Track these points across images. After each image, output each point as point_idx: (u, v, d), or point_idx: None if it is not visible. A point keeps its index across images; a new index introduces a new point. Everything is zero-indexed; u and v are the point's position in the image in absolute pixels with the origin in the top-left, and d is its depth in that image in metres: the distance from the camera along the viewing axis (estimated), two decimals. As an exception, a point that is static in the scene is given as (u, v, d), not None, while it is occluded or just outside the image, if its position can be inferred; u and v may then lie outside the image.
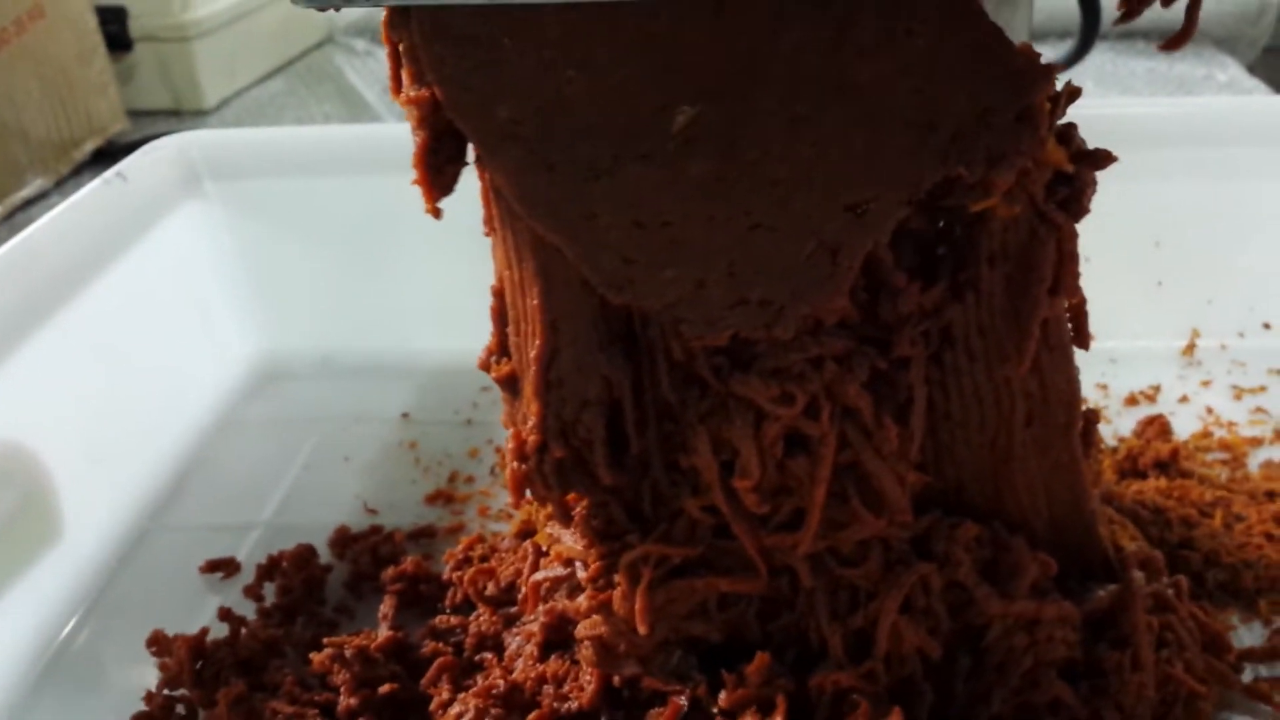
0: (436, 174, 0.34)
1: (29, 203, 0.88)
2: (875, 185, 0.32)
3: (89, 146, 0.94)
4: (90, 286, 0.55)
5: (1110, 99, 0.80)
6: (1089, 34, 0.45)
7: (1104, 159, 0.34)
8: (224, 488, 0.57)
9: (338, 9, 0.32)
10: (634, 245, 0.33)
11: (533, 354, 0.36)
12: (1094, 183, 0.34)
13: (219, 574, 0.50)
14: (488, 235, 0.37)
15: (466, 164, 0.35)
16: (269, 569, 0.49)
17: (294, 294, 0.66)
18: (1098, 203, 0.35)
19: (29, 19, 0.86)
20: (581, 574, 0.39)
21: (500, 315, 0.38)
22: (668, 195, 0.32)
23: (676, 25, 0.30)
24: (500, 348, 0.38)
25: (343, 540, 0.51)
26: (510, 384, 0.38)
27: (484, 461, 0.57)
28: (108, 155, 0.94)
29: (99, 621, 0.49)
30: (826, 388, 0.35)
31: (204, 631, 0.45)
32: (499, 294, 0.37)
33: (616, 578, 0.37)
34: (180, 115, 1.05)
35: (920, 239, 0.34)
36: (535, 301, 0.35)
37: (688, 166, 0.32)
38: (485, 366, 0.38)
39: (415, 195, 0.35)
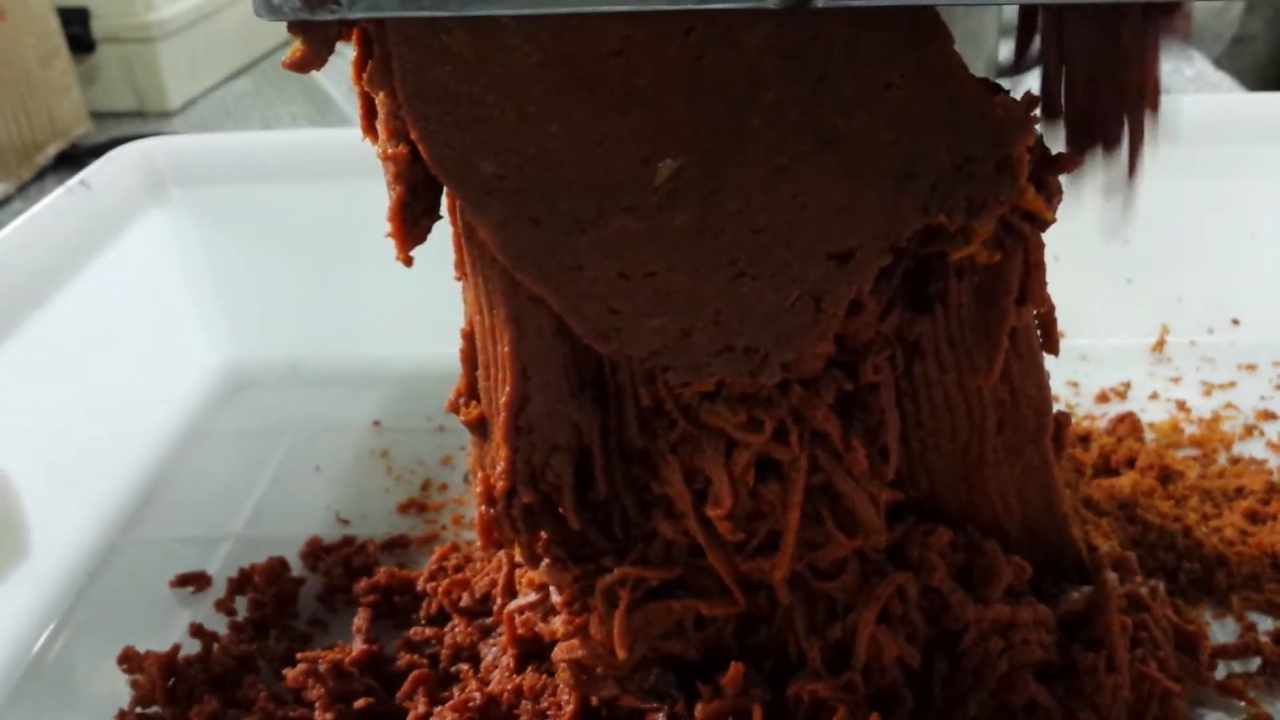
0: (412, 227, 0.34)
1: (-8, 208, 0.87)
2: (856, 234, 0.32)
3: (52, 150, 0.93)
4: (54, 298, 0.54)
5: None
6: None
7: (1068, 164, 0.34)
8: (194, 500, 0.56)
9: (304, 24, 0.31)
10: (619, 295, 0.33)
11: (502, 400, 0.36)
12: (1060, 191, 0.34)
13: (190, 588, 0.50)
14: (458, 280, 0.37)
15: (440, 217, 0.35)
16: (240, 583, 0.49)
17: (262, 301, 0.65)
18: (1068, 200, 0.35)
19: (-10, 21, 0.85)
20: (556, 598, 0.39)
21: (470, 358, 0.38)
22: (652, 246, 0.32)
23: (657, 81, 0.30)
24: (469, 390, 0.38)
25: (315, 552, 0.50)
26: (479, 428, 0.38)
27: (457, 469, 0.57)
28: (71, 158, 0.93)
29: (70, 638, 0.48)
30: (794, 412, 0.35)
31: (176, 648, 0.44)
32: (468, 337, 0.37)
33: (591, 601, 0.37)
34: (145, 116, 1.04)
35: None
36: (506, 348, 0.35)
37: (671, 218, 0.32)
38: (454, 409, 0.38)
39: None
